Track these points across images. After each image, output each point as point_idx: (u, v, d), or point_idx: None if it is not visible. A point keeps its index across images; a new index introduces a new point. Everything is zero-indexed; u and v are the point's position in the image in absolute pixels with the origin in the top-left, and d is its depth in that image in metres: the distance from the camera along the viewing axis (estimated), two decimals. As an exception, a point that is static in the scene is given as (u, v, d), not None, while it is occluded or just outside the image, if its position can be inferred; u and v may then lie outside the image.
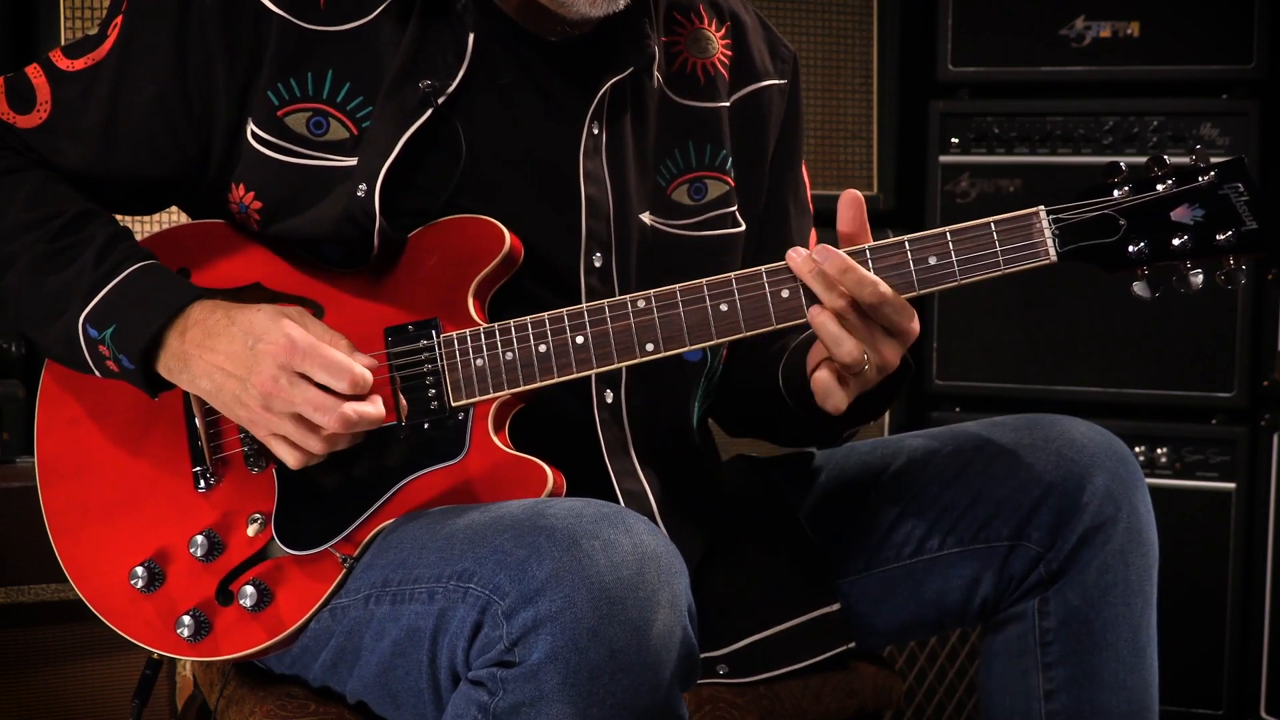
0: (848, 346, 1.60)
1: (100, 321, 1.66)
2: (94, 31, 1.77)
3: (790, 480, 1.97)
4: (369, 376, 1.60)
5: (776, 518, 1.92)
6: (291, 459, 1.62)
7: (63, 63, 1.77)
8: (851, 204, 1.63)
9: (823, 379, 1.66)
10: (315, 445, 1.61)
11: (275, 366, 1.58)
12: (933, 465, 1.86)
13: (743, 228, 1.89)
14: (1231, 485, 3.22)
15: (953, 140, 3.36)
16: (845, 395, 1.66)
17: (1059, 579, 1.78)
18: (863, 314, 1.61)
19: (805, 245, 1.95)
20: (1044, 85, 3.34)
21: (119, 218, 1.78)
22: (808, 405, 1.76)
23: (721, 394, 1.94)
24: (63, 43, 2.61)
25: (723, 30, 1.91)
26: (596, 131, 1.77)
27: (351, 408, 1.58)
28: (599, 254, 1.77)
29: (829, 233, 1.67)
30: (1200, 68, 3.24)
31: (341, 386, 1.58)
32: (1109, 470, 1.78)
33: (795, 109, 1.96)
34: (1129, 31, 3.27)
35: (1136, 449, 3.25)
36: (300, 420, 1.60)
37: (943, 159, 3.37)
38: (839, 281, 1.60)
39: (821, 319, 1.61)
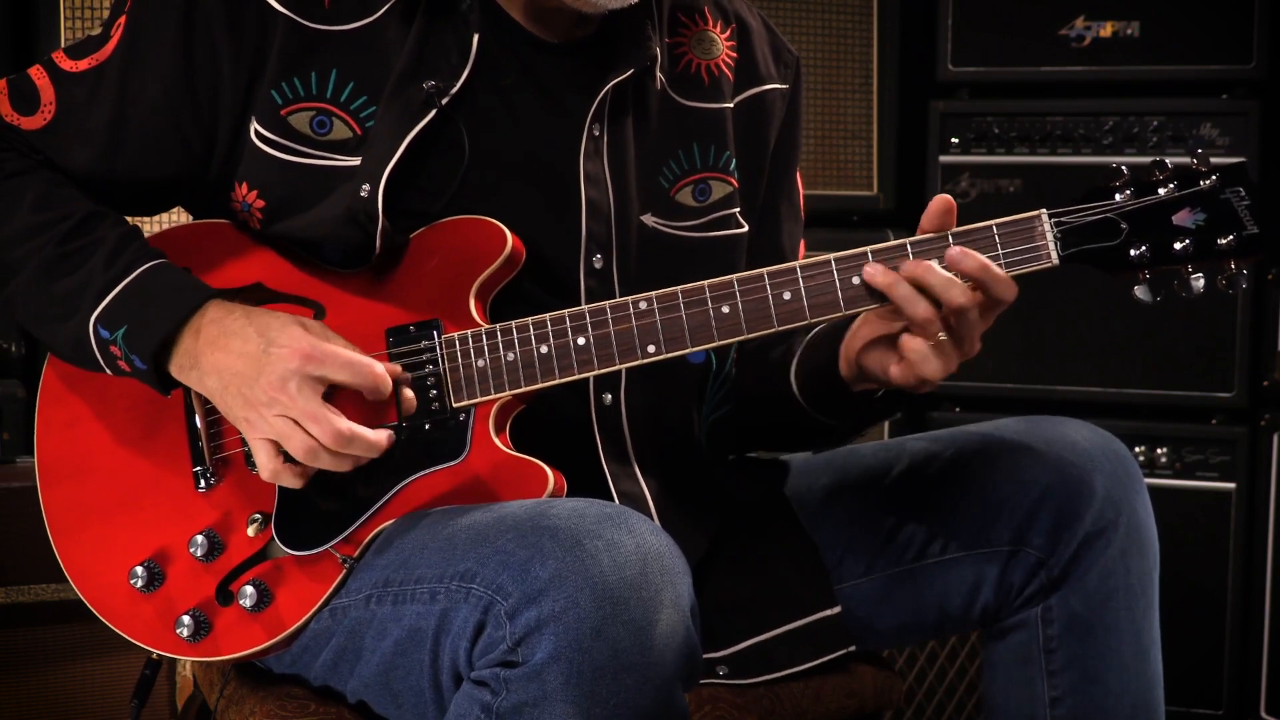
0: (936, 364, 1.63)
1: (112, 322, 1.65)
2: (97, 32, 1.77)
3: (791, 483, 1.96)
4: (388, 381, 1.60)
5: (778, 519, 1.92)
6: (268, 468, 1.62)
7: (66, 64, 1.76)
8: (943, 211, 1.64)
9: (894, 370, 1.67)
10: (298, 450, 1.59)
11: (287, 370, 1.58)
12: (934, 468, 1.86)
13: (745, 229, 1.89)
14: (1231, 485, 3.22)
15: (953, 140, 3.36)
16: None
17: (1060, 585, 1.78)
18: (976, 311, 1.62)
19: (795, 251, 1.97)
20: (1044, 85, 3.34)
21: (127, 218, 1.77)
22: (826, 405, 1.77)
23: (732, 406, 1.94)
24: (63, 43, 2.62)
25: (728, 32, 1.90)
26: (597, 133, 1.77)
27: (346, 425, 1.58)
28: (599, 255, 1.77)
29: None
30: (1200, 68, 3.24)
31: (363, 382, 1.58)
32: (1108, 473, 1.78)
33: (795, 114, 1.96)
34: (1129, 31, 3.27)
35: (1136, 449, 3.25)
36: (294, 425, 1.59)
37: (943, 159, 3.36)
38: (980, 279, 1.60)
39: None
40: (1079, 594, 1.77)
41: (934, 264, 1.60)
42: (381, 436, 1.60)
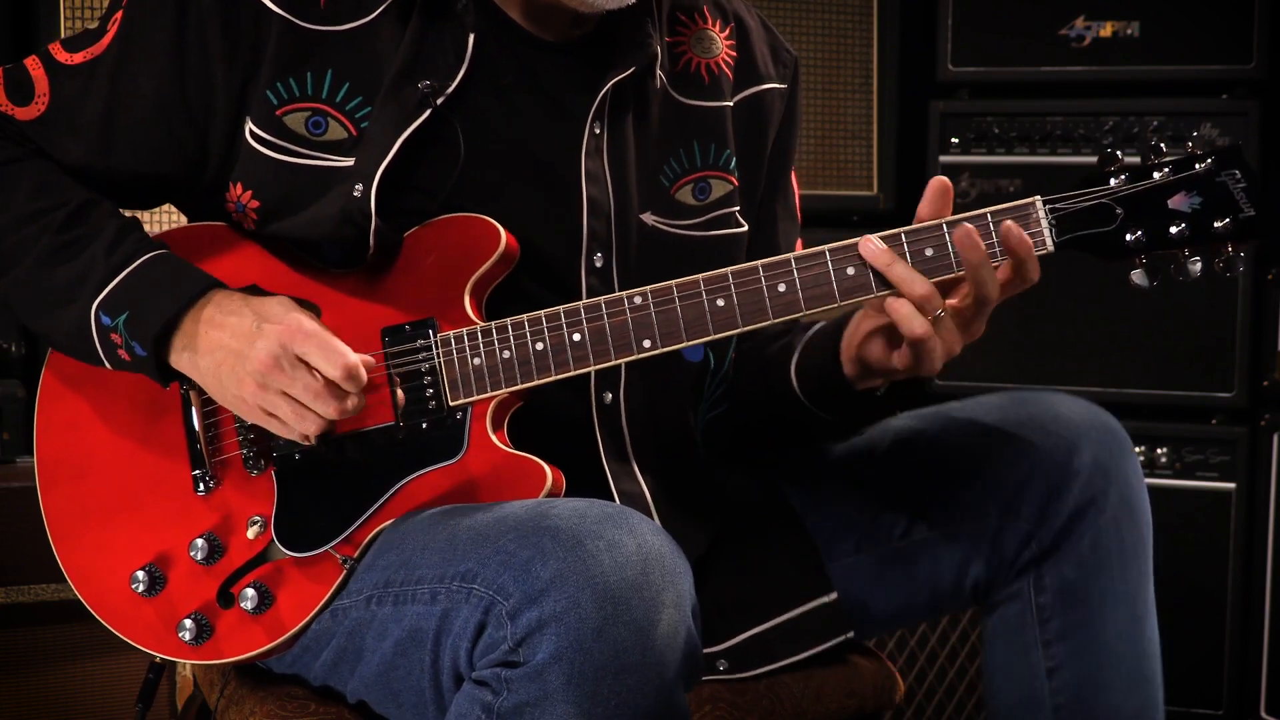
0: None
1: (113, 308, 1.66)
2: (94, 26, 1.78)
3: (778, 466, 1.96)
4: (363, 372, 1.60)
5: (772, 511, 1.91)
6: (297, 432, 1.63)
7: (62, 55, 1.77)
8: (939, 193, 1.64)
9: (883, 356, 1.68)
10: (310, 428, 1.61)
11: (277, 345, 1.59)
12: (919, 446, 1.86)
13: (745, 228, 1.89)
14: (1231, 485, 3.22)
15: (953, 140, 3.36)
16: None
17: (1052, 555, 1.78)
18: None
19: (792, 251, 1.96)
20: (1044, 85, 3.34)
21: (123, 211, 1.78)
22: (828, 403, 1.78)
23: (729, 405, 1.94)
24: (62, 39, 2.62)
25: (726, 31, 1.90)
26: (598, 131, 1.77)
27: (350, 400, 1.60)
28: (600, 254, 1.77)
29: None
30: (1200, 68, 3.24)
31: (333, 372, 1.58)
32: (1096, 442, 1.78)
33: (793, 114, 1.96)
34: (1129, 31, 3.27)
35: (1136, 449, 3.24)
36: (295, 403, 1.61)
37: (943, 159, 3.36)
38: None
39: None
40: (1071, 561, 1.77)
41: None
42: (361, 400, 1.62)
